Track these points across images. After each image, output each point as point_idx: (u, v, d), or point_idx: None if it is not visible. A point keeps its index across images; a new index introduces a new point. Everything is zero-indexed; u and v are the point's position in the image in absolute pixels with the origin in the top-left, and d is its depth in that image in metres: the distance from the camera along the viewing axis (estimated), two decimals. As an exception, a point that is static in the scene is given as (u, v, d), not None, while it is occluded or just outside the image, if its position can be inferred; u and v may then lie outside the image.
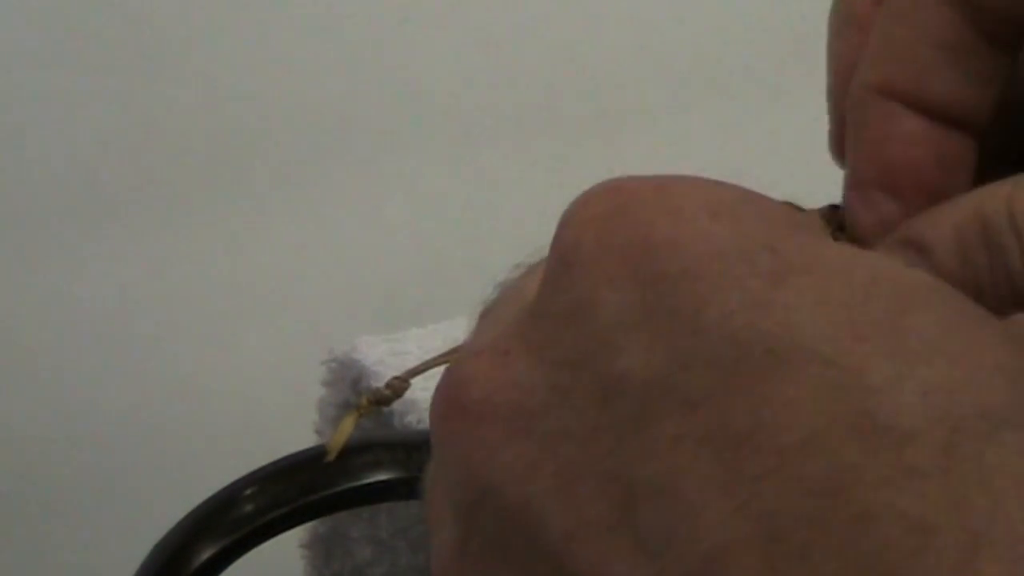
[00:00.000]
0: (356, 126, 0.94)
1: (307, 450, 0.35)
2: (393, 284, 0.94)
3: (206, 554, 0.33)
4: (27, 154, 0.87)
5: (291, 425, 0.63)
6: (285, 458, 0.35)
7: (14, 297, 0.88)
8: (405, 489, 0.34)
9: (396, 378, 0.35)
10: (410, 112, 0.95)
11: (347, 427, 0.33)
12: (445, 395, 0.22)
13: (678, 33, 0.98)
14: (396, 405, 0.50)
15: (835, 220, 0.34)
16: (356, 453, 0.34)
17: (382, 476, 0.34)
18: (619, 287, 0.20)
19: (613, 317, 0.20)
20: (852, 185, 0.27)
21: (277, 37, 0.91)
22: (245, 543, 0.34)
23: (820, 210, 0.34)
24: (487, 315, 0.25)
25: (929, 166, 0.24)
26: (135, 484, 0.90)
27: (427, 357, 0.37)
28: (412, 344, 0.65)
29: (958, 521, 0.17)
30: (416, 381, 0.38)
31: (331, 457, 0.34)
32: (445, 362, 0.34)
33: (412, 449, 0.35)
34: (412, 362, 0.61)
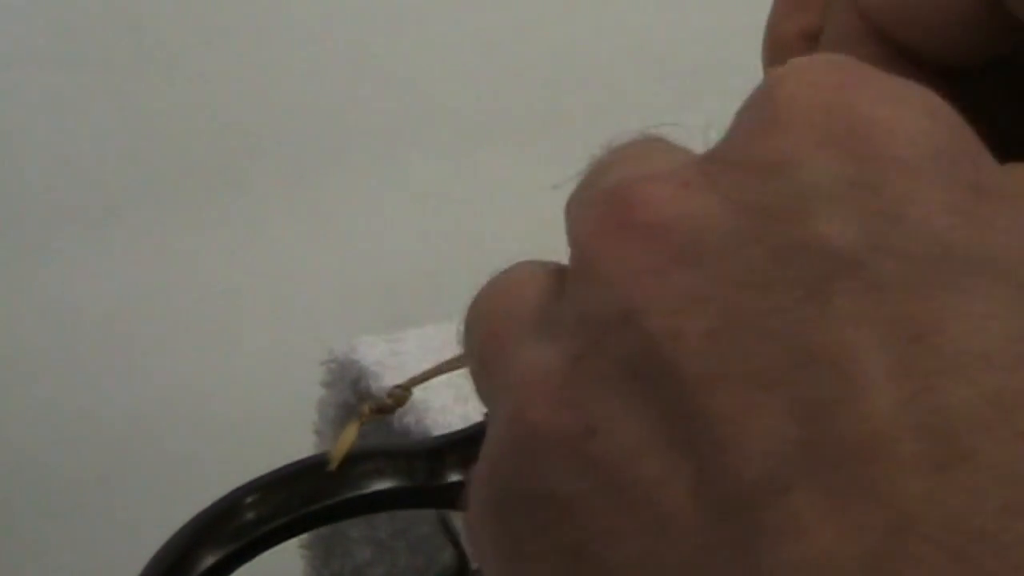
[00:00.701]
0: (356, 126, 0.94)
1: (308, 458, 0.35)
2: (393, 284, 0.94)
3: (207, 563, 0.33)
4: (27, 154, 0.87)
5: (291, 426, 0.63)
6: (286, 466, 0.35)
7: (13, 297, 0.88)
8: (407, 498, 0.34)
9: (398, 387, 0.35)
10: (410, 112, 0.95)
11: (349, 437, 0.33)
12: (609, 210, 0.21)
13: (679, 33, 0.98)
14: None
15: None
16: (358, 462, 0.34)
17: (384, 485, 0.34)
18: (832, 154, 0.20)
19: (818, 181, 0.20)
20: None
21: (277, 37, 0.91)
22: (246, 552, 0.34)
23: None
24: (608, 167, 0.23)
25: None
26: (135, 482, 0.90)
27: (427, 357, 0.37)
28: (412, 344, 0.65)
29: None
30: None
31: (333, 466, 0.34)
32: (449, 370, 0.35)
33: (414, 458, 0.34)
34: (411, 363, 0.61)
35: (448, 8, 0.94)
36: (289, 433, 0.61)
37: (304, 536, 0.57)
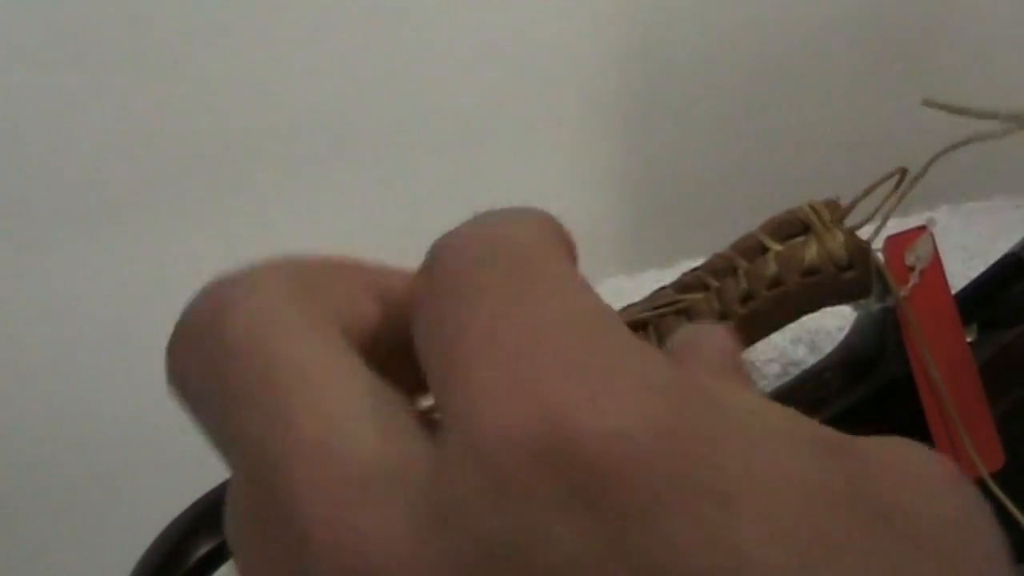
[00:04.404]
0: (356, 125, 0.94)
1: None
2: (393, 284, 0.94)
3: (203, 549, 0.33)
4: (27, 154, 0.87)
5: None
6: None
7: (13, 296, 0.88)
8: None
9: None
10: (410, 112, 0.95)
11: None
12: None
13: (677, 33, 0.98)
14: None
15: (837, 212, 0.34)
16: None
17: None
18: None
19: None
20: None
21: (277, 37, 0.91)
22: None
23: (821, 202, 0.34)
24: None
25: None
26: (135, 482, 0.90)
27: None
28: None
29: None
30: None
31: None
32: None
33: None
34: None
35: (448, 8, 0.94)
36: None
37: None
